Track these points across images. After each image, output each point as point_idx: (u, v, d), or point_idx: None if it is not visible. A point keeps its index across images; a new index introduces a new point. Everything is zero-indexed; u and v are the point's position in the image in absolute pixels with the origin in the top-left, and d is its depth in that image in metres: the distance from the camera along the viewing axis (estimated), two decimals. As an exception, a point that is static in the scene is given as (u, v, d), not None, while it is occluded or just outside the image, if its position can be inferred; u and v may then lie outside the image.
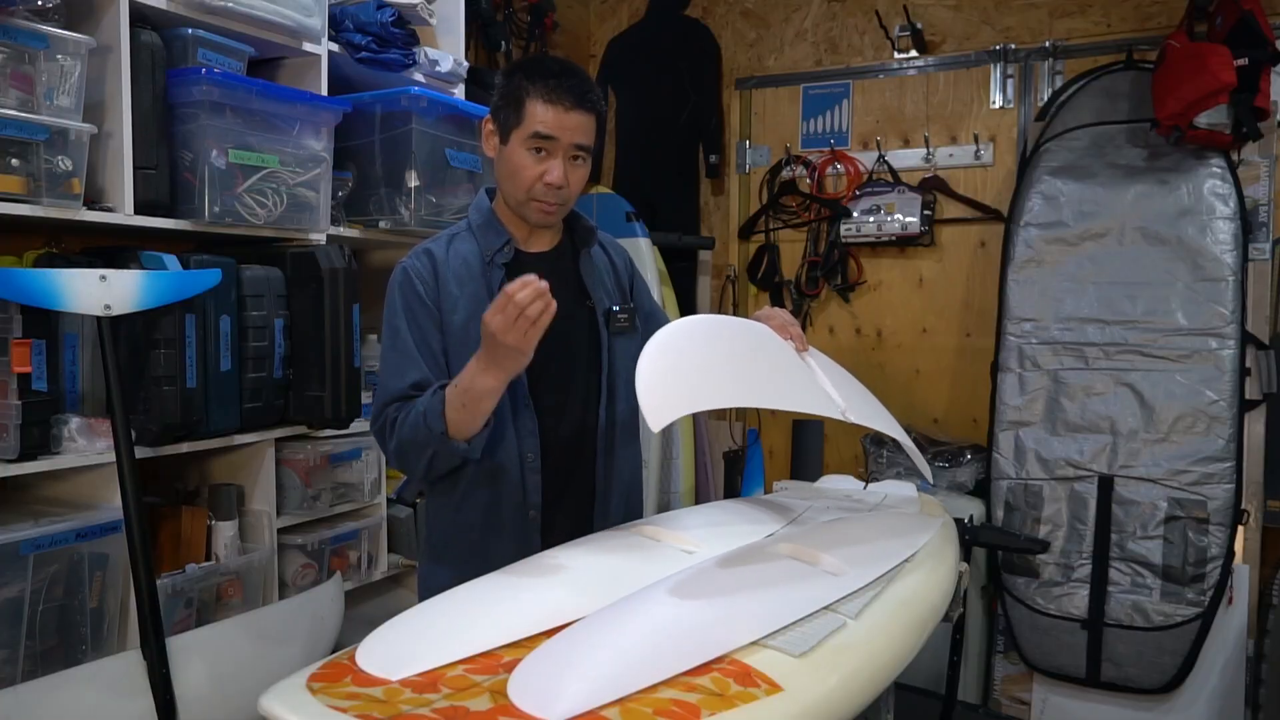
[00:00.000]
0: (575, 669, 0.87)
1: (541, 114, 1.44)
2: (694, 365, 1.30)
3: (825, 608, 1.09)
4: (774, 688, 0.89)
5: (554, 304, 1.27)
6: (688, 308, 3.44)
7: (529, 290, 1.25)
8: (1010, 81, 3.04)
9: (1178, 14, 2.70)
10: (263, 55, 2.09)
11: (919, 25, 3.14)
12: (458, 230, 1.58)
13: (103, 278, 1.61)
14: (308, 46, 2.12)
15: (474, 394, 1.34)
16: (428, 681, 0.87)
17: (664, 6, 3.60)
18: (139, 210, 1.76)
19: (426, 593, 1.57)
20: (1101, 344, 2.65)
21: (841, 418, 1.48)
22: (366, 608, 2.34)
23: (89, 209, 1.69)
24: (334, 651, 1.19)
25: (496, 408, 1.39)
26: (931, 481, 1.78)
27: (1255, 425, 2.60)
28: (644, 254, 3.05)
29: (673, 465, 3.14)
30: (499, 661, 0.92)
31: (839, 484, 1.99)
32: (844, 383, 1.63)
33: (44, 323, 1.65)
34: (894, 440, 1.70)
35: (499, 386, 1.34)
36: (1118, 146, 2.71)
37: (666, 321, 1.71)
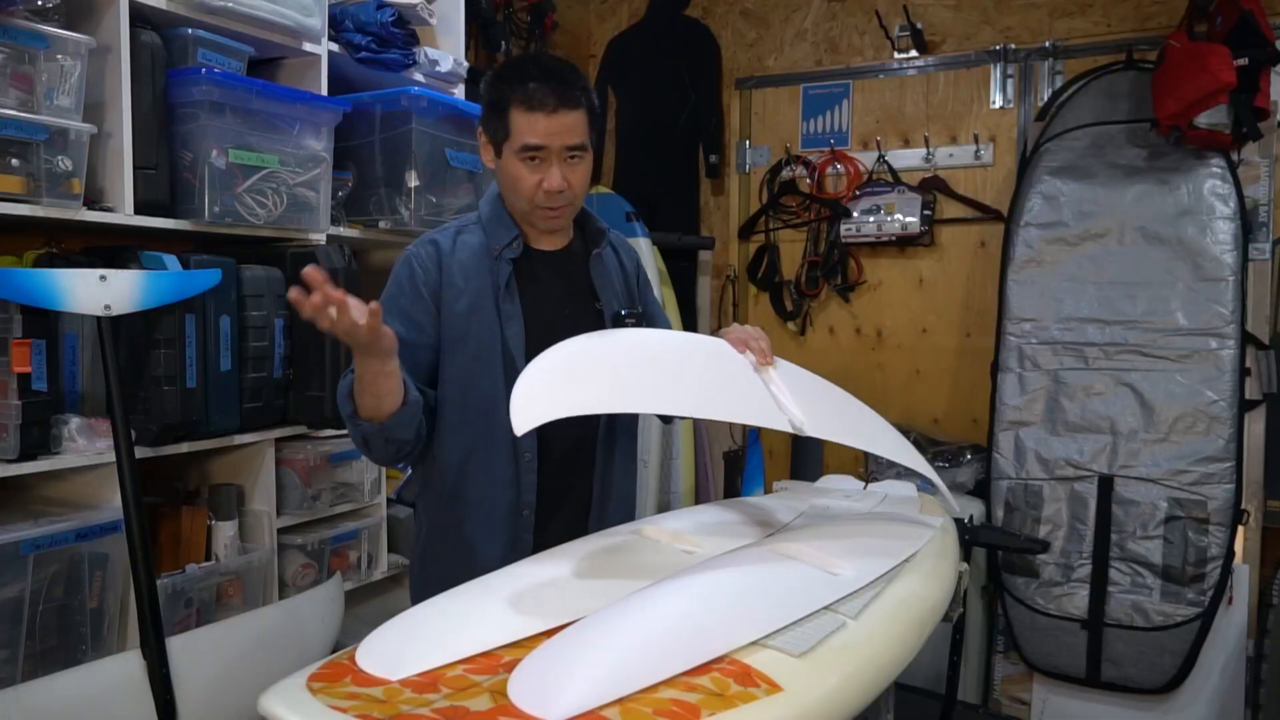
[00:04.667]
0: (575, 669, 0.87)
1: (527, 125, 1.41)
2: (588, 372, 1.27)
3: (825, 608, 1.08)
4: (774, 688, 0.89)
5: (336, 304, 1.24)
6: (688, 307, 3.44)
7: (313, 299, 1.23)
8: (1010, 81, 3.04)
9: (1178, 14, 2.70)
10: (263, 55, 2.09)
11: (919, 25, 3.14)
12: (466, 223, 1.57)
13: (103, 278, 1.61)
14: (308, 46, 2.12)
15: (361, 378, 1.35)
16: (428, 681, 0.87)
17: (664, 6, 3.60)
18: (139, 210, 1.76)
19: (418, 588, 1.58)
20: (1101, 344, 2.65)
21: (795, 431, 1.38)
22: (366, 608, 2.34)
23: (89, 209, 1.69)
24: (334, 651, 1.18)
25: (499, 401, 1.37)
26: (956, 511, 1.71)
27: (1255, 425, 2.60)
28: (644, 254, 3.05)
29: (673, 465, 3.14)
30: (499, 661, 0.91)
31: (839, 484, 1.99)
32: (822, 399, 1.55)
33: (44, 323, 1.65)
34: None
35: (375, 369, 1.33)
36: (1118, 146, 2.71)
37: (665, 325, 1.72)
